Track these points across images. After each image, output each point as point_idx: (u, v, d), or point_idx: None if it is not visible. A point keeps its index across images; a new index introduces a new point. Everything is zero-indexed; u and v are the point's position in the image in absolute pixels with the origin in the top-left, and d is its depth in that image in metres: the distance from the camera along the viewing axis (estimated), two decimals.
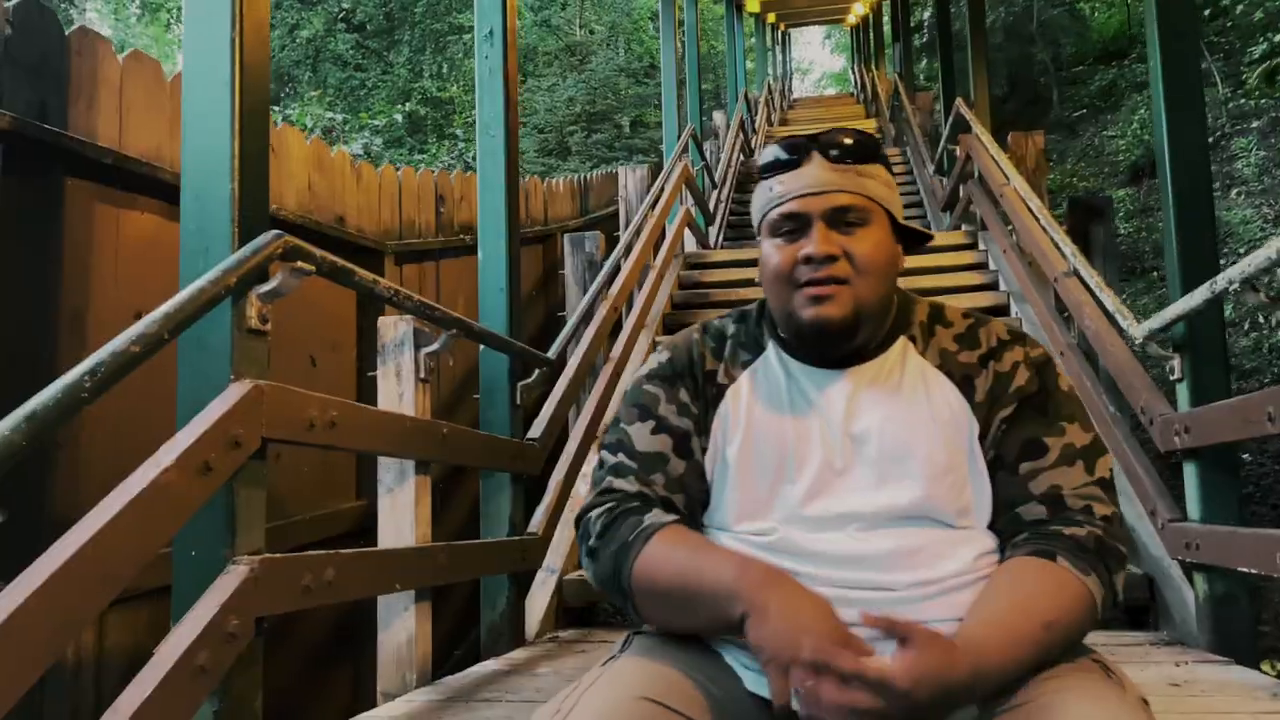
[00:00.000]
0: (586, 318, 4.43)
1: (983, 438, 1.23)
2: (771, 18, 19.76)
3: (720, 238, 8.94)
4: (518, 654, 3.17)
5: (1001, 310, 5.77)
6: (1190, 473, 3.01)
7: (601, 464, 1.31)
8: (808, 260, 1.21)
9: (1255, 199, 9.84)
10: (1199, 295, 2.65)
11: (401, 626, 2.64)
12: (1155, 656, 2.83)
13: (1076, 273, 4.11)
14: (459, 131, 13.48)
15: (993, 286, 6.19)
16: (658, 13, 9.15)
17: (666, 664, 1.14)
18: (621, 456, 1.29)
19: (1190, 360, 3.03)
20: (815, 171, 1.24)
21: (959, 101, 7.55)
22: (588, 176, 8.26)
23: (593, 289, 4.46)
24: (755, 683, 1.15)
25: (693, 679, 1.13)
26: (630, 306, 5.51)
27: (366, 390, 4.07)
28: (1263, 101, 11.33)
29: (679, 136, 8.00)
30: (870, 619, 1.03)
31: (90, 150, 2.83)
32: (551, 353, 3.73)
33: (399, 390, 2.71)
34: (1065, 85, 16.57)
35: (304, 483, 3.92)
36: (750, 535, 1.23)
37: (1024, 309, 5.51)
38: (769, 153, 1.30)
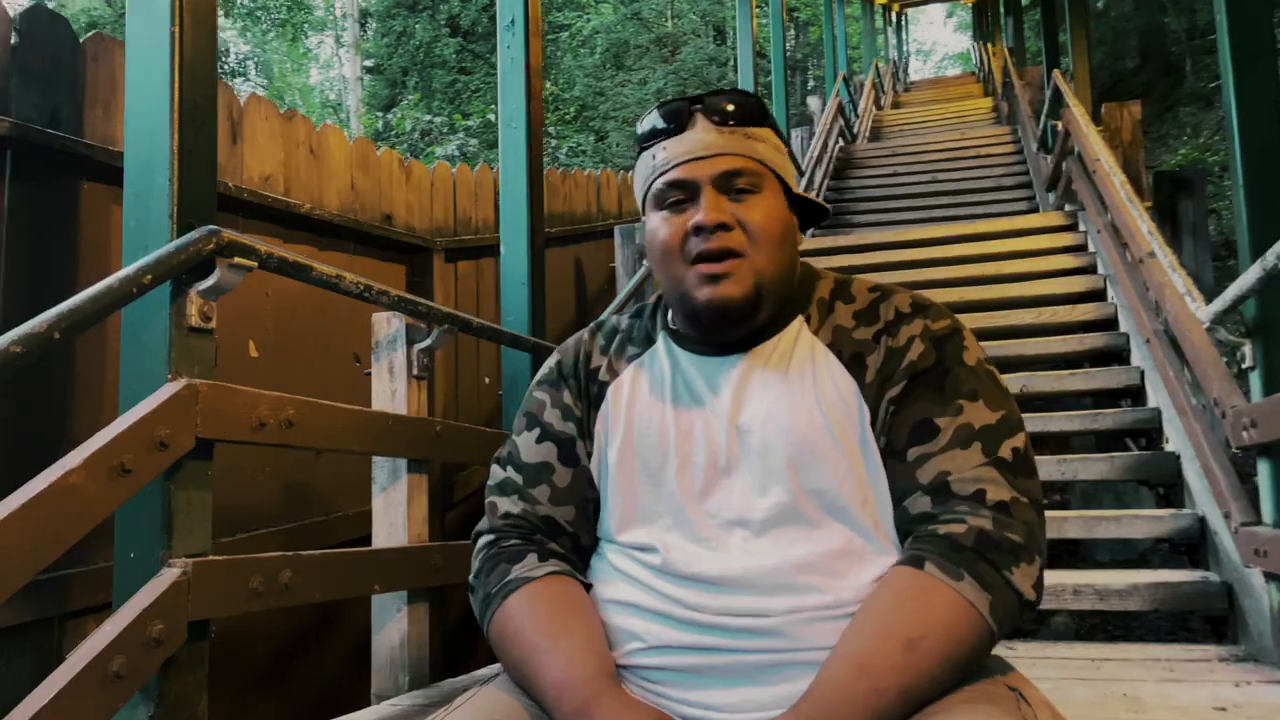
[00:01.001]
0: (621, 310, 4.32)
1: (874, 423, 1.07)
2: None
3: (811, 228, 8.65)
4: None
5: (1098, 295, 5.36)
6: (1264, 471, 2.69)
7: (490, 478, 1.23)
8: (698, 230, 1.08)
9: None
10: (1254, 272, 2.35)
11: (394, 628, 2.60)
12: (1216, 674, 2.52)
13: (1153, 252, 3.75)
14: (552, 129, 13.56)
15: (1090, 270, 5.76)
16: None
17: (530, 700, 1.05)
18: (510, 471, 1.21)
19: (1263, 345, 2.70)
20: (699, 135, 1.12)
21: (1055, 73, 7.06)
22: None
23: (637, 276, 4.35)
24: None
25: None
26: None
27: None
28: None
29: None
30: None
31: (104, 155, 2.90)
32: None
33: (391, 387, 2.66)
34: (1200, 54, 15.46)
35: (348, 479, 3.96)
36: (636, 553, 1.12)
37: (1118, 293, 5.11)
38: (647, 120, 1.18)
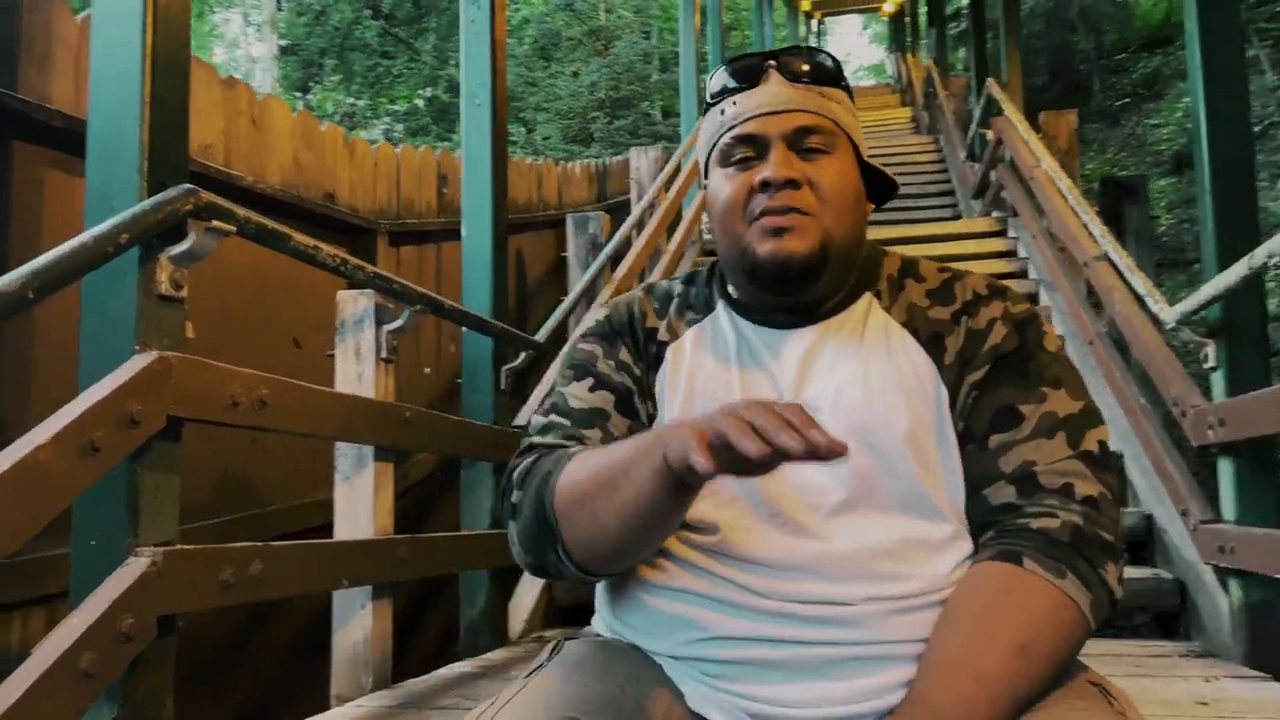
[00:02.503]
0: (588, 299, 4.22)
1: (953, 407, 1.02)
2: (806, 4, 19.40)
3: None
4: (495, 655, 2.98)
5: (1031, 300, 5.49)
6: (1225, 469, 2.75)
7: (531, 428, 1.12)
8: (764, 187, 1.02)
9: None
10: (1236, 271, 2.39)
11: (358, 625, 2.46)
12: (1183, 669, 2.57)
13: (1107, 255, 3.83)
14: None
15: (1021, 275, 5.91)
16: None
17: (596, 678, 0.96)
18: (554, 416, 1.09)
19: (1226, 346, 2.76)
20: (776, 89, 1.06)
21: (989, 82, 7.23)
22: (606, 162, 8.05)
23: (594, 267, 4.26)
24: (700, 699, 0.97)
25: (626, 694, 0.94)
26: None
27: None
28: None
29: (698, 116, 7.76)
30: None
31: (39, 112, 2.67)
32: (542, 334, 3.53)
33: (358, 370, 2.52)
34: (1107, 73, 16.14)
35: (289, 469, 3.76)
36: (689, 533, 1.03)
37: (1053, 297, 5.24)
38: (718, 77, 1.11)
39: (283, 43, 16.18)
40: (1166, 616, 3.25)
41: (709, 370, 1.09)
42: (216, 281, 3.44)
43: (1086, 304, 4.50)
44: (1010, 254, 6.34)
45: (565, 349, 1.20)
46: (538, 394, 3.57)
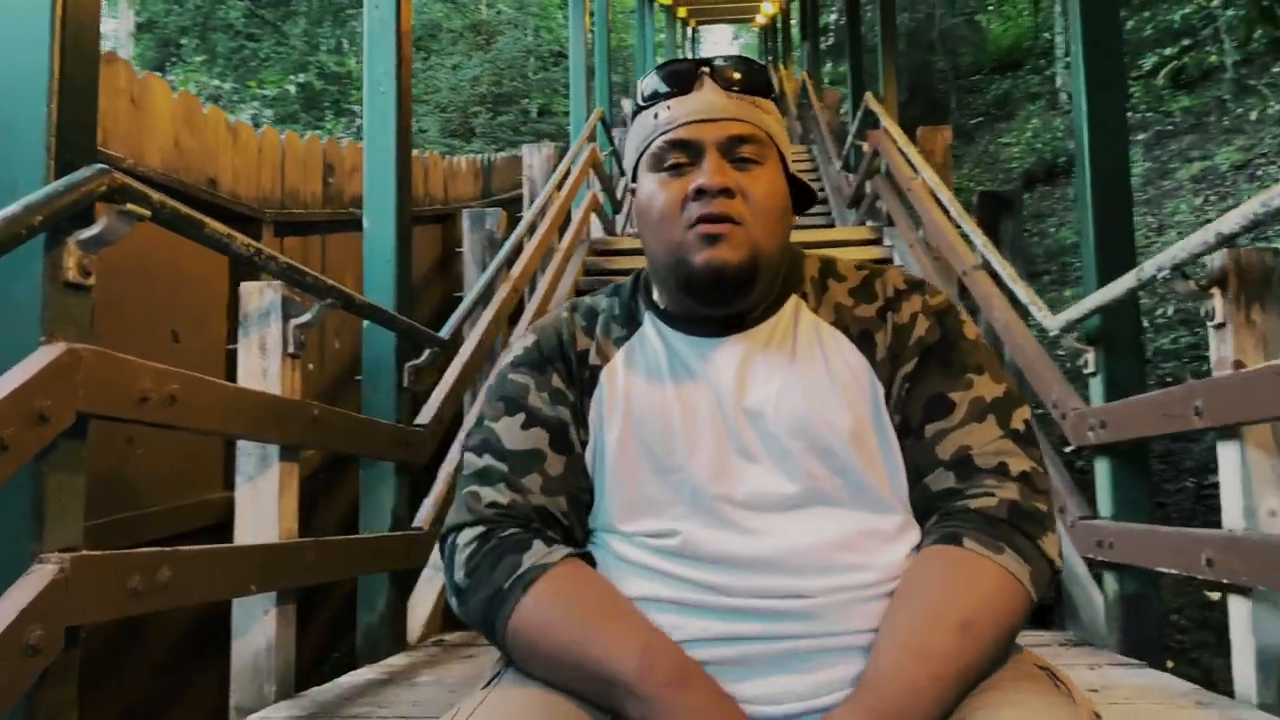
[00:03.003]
0: (485, 298, 4.16)
1: (888, 400, 1.06)
2: (683, 12, 19.67)
3: (627, 225, 8.74)
4: (397, 660, 2.90)
5: None
6: (1103, 469, 2.94)
7: (465, 468, 1.09)
8: (699, 194, 1.02)
9: (1139, 208, 10.14)
10: (1123, 283, 2.56)
11: (260, 632, 2.34)
12: (1065, 658, 2.73)
13: (987, 265, 4.04)
14: (357, 108, 12.93)
15: None
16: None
17: (557, 692, 0.95)
18: (489, 458, 1.07)
19: (1105, 353, 2.95)
20: (711, 96, 1.07)
21: (868, 96, 7.51)
22: (492, 157, 7.94)
23: (492, 266, 4.20)
24: None
25: (588, 712, 0.94)
26: (533, 290, 5.26)
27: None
28: (1148, 115, 11.74)
29: (586, 119, 7.76)
30: None
31: None
32: (444, 332, 3.46)
33: (263, 365, 2.40)
34: (963, 93, 16.99)
35: (164, 469, 3.55)
36: (647, 539, 1.04)
37: None
38: (650, 80, 1.11)
39: (139, 19, 15.28)
40: (1042, 608, 3.45)
41: (643, 390, 1.09)
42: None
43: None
44: (887, 261, 6.60)
45: (493, 375, 1.16)
46: (439, 394, 3.50)
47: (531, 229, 5.12)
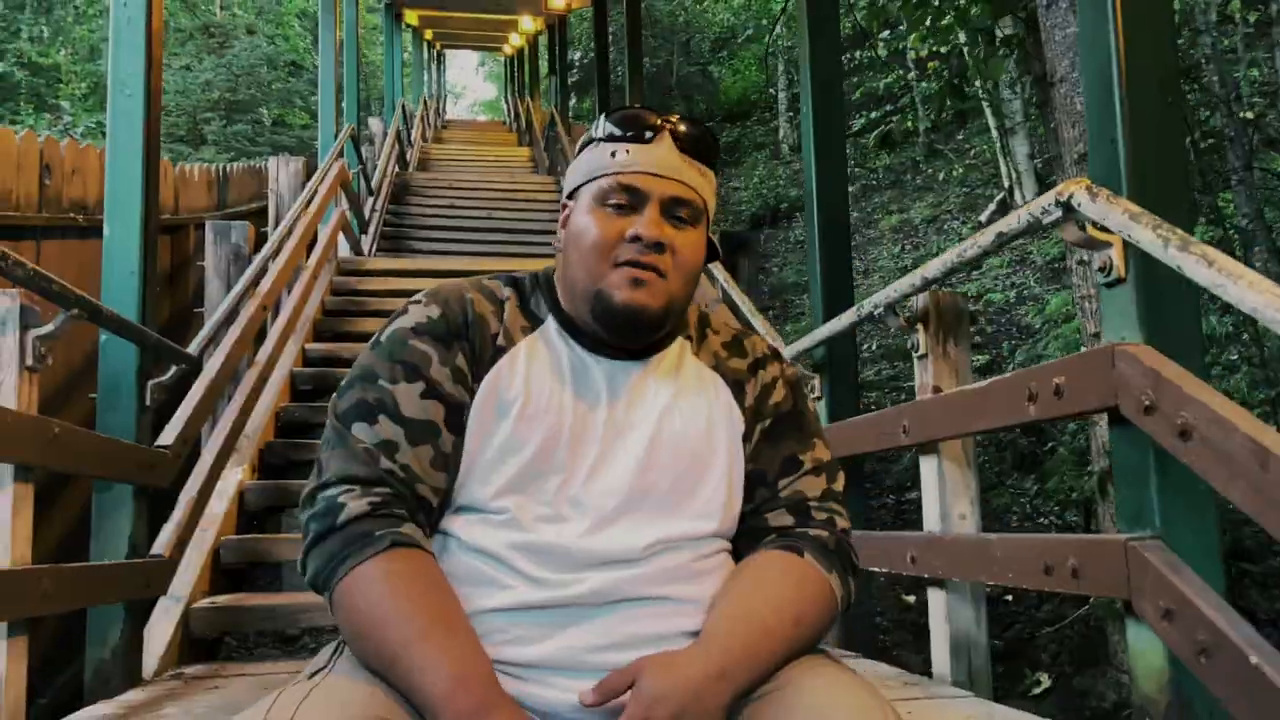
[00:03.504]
0: (231, 316, 3.99)
1: (746, 439, 1.23)
2: (429, 34, 19.50)
3: (374, 247, 8.58)
4: (134, 695, 2.72)
5: None
6: None
7: (353, 423, 1.10)
8: (634, 239, 1.13)
9: None
10: (846, 318, 2.93)
11: None
12: None
13: (728, 298, 4.40)
14: (65, 104, 11.75)
15: None
16: (305, 10, 8.63)
17: (385, 687, 1.00)
18: (385, 420, 1.09)
19: (829, 380, 3.34)
20: (665, 153, 1.18)
21: None
22: (228, 167, 7.54)
23: (241, 284, 4.03)
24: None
25: (409, 713, 0.99)
26: (278, 310, 5.07)
27: None
28: (856, 169, 13.10)
29: (335, 137, 7.57)
30: (591, 699, 1.00)
31: None
32: (192, 348, 3.30)
33: None
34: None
35: None
36: (501, 523, 1.11)
37: None
38: (614, 119, 1.20)
39: None
40: None
41: (544, 386, 1.17)
42: None
43: None
44: None
45: (386, 335, 1.14)
46: (183, 413, 3.32)
47: (280, 245, 4.95)
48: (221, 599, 3.57)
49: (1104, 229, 1.71)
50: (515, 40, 19.30)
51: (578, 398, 1.18)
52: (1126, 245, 1.72)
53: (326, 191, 6.41)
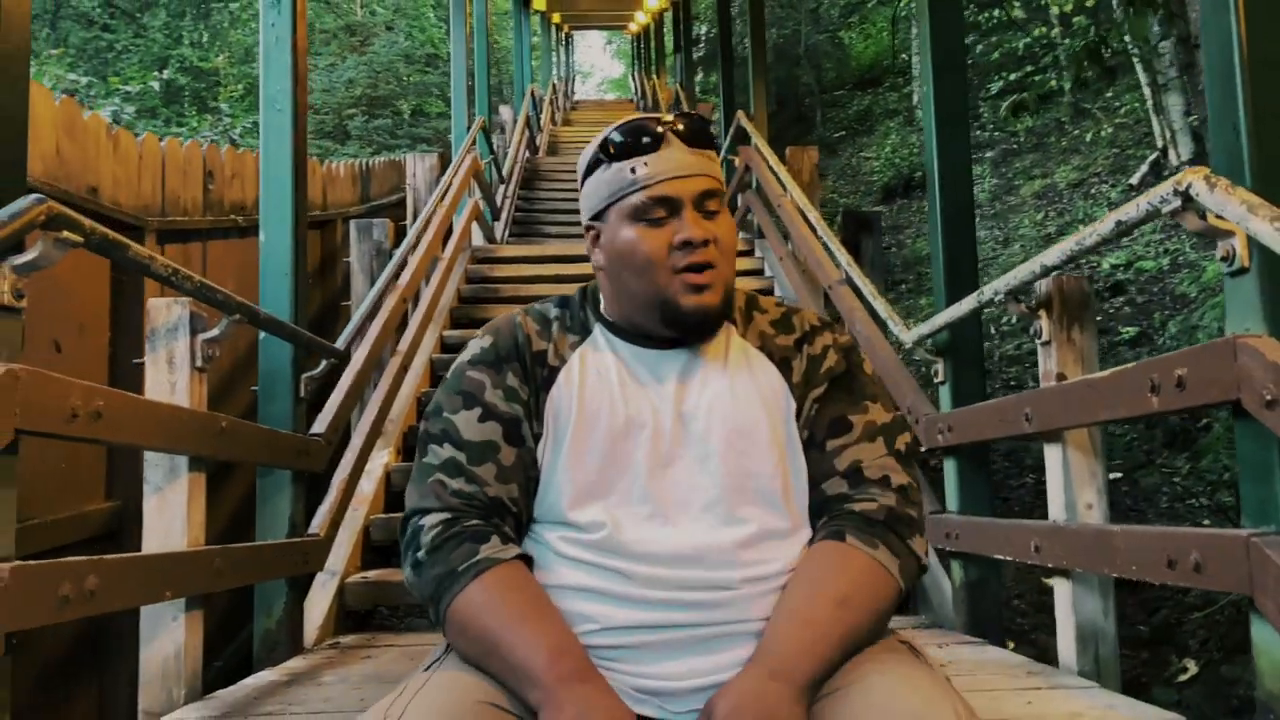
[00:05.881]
0: (374, 310, 4.24)
1: (799, 416, 1.27)
2: (556, 18, 19.79)
3: (506, 233, 8.86)
4: (296, 663, 2.98)
5: None
6: (951, 468, 3.28)
7: (425, 455, 1.25)
8: (685, 245, 1.20)
9: (988, 222, 10.90)
10: (966, 304, 2.89)
11: (169, 638, 2.41)
12: (919, 639, 3.00)
13: (850, 281, 4.38)
14: (224, 106, 12.53)
15: (769, 292, 6.50)
16: (439, 1, 8.93)
17: (490, 680, 1.12)
18: (449, 448, 1.23)
19: (952, 364, 3.30)
20: (678, 155, 1.24)
21: (739, 114, 7.85)
22: (370, 162, 7.92)
23: (382, 279, 4.29)
24: None
25: (511, 703, 1.11)
26: (417, 299, 5.34)
27: (121, 380, 3.69)
28: (995, 134, 12.60)
29: (467, 128, 7.84)
30: None
31: None
32: (340, 343, 3.54)
33: (171, 379, 2.47)
34: (827, 107, 17.71)
35: (46, 482, 3.50)
36: (581, 534, 1.20)
37: None
38: (618, 135, 1.26)
39: None
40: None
41: (594, 389, 1.26)
42: None
43: None
44: (758, 272, 6.95)
45: (451, 370, 1.28)
46: (333, 403, 3.57)
47: (417, 240, 5.20)
48: (372, 574, 3.84)
49: (1223, 218, 1.66)
50: (641, 18, 19.38)
51: (629, 396, 1.25)
52: (1249, 235, 1.67)
53: (460, 184, 6.66)
